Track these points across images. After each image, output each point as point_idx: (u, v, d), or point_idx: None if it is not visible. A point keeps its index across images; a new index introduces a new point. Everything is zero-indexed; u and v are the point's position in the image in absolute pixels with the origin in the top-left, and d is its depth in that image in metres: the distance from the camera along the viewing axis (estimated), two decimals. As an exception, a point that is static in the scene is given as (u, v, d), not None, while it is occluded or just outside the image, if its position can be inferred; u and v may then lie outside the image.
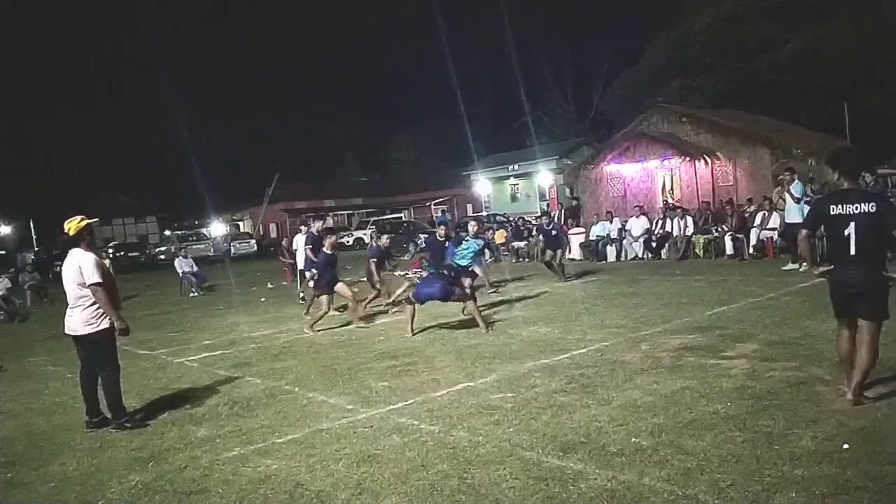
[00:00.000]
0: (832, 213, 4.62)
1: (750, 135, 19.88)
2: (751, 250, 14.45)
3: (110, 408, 5.71)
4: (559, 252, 13.67)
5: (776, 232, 14.13)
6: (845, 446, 3.96)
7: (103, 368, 5.68)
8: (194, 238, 39.76)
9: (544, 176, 35.53)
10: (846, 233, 4.56)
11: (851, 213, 4.56)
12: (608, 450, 4.23)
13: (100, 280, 5.47)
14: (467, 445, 4.57)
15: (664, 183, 20.95)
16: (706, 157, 19.67)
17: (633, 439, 4.36)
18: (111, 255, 28.38)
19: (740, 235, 14.79)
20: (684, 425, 4.53)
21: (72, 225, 5.64)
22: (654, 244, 16.60)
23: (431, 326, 9.25)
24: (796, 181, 12.29)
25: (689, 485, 3.64)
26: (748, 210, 15.88)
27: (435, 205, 43.47)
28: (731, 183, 19.71)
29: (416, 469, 4.24)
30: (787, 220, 12.43)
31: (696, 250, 15.63)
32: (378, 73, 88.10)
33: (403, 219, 39.44)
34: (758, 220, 14.65)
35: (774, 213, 14.13)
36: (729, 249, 14.90)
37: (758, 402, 4.89)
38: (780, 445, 4.07)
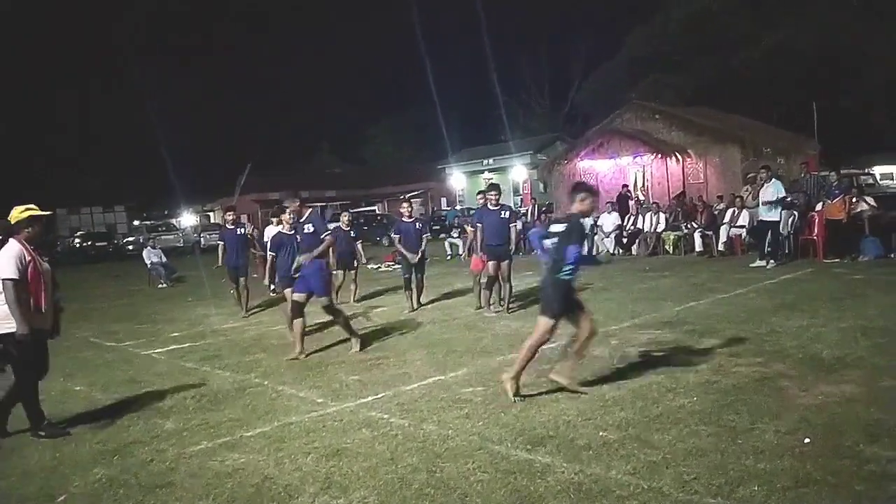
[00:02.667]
0: None
1: (721, 133, 20.15)
2: (720, 247, 14.66)
3: (27, 415, 5.26)
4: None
5: (745, 229, 14.37)
6: (806, 441, 4.05)
7: (18, 371, 5.19)
8: (164, 228, 39.18)
9: (518, 170, 35.69)
10: None
11: None
12: (576, 443, 4.27)
13: (12, 276, 4.96)
14: (437, 439, 4.58)
15: (636, 179, 21.17)
16: (678, 155, 19.92)
17: (601, 433, 4.41)
18: (59, 250, 27.61)
19: (709, 232, 15.00)
20: (651, 419, 4.59)
21: (14, 213, 5.26)
22: (625, 240, 16.76)
23: (404, 320, 9.24)
24: (774, 180, 12.42)
25: (654, 478, 3.69)
26: (718, 207, 16.13)
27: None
28: (701, 180, 20.00)
29: (385, 463, 4.23)
30: (761, 218, 12.56)
31: (666, 246, 15.82)
32: (354, 65, 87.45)
33: (378, 211, 39.30)
34: (727, 218, 14.87)
35: (744, 210, 14.36)
36: (698, 246, 15.10)
37: (723, 396, 4.97)
38: (743, 440, 4.14)
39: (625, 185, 20.29)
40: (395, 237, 10.35)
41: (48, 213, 5.68)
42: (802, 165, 17.59)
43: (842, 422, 4.31)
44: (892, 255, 12.00)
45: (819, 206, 13.09)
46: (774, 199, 12.03)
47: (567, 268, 5.15)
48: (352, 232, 11.98)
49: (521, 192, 35.77)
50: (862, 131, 31.25)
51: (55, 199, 34.00)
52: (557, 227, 5.35)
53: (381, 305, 11.12)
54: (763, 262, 12.06)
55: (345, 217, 12.39)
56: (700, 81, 32.36)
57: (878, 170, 27.88)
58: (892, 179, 27.46)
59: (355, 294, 11.71)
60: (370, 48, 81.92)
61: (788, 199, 12.99)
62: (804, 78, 29.95)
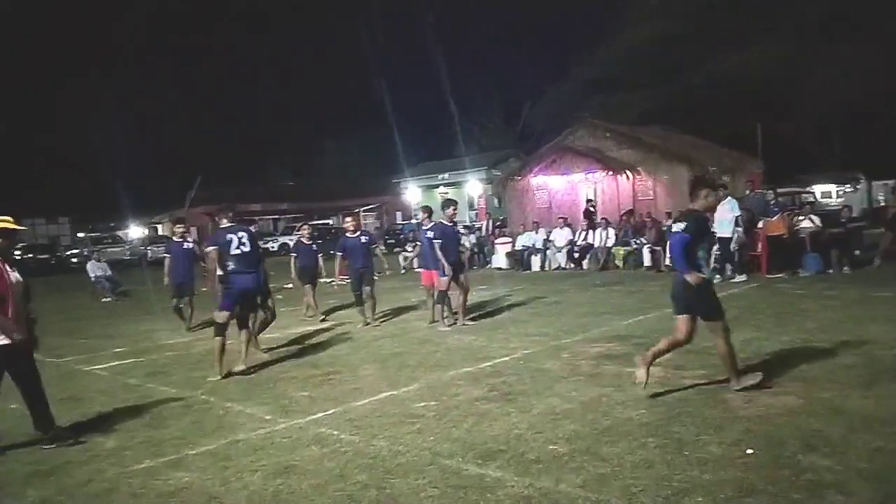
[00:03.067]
0: None
1: (669, 151, 20.67)
2: (667, 262, 14.99)
3: None
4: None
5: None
6: (749, 451, 4.15)
7: None
8: (109, 241, 38.07)
9: (474, 185, 35.92)
10: None
11: None
12: (526, 457, 4.29)
13: None
14: (387, 455, 4.54)
15: (588, 196, 21.54)
16: (628, 172, 20.33)
17: (551, 446, 4.44)
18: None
19: (658, 248, 15.34)
20: (600, 432, 4.64)
21: None
22: (576, 255, 17.01)
23: (356, 334, 9.17)
24: (730, 198, 12.74)
25: (602, 490, 3.72)
26: (666, 223, 16.51)
27: (364, 211, 43.18)
28: (650, 197, 20.44)
29: (335, 480, 4.17)
30: (718, 235, 12.72)
31: (617, 261, 16.12)
32: (310, 78, 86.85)
33: (332, 224, 39.00)
34: (675, 234, 15.22)
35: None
36: (647, 261, 15.43)
37: (670, 409, 5.07)
38: (689, 451, 4.22)
39: (589, 200, 20.64)
40: (339, 254, 10.27)
41: (23, 228, 5.69)
42: (748, 183, 18.19)
43: (782, 433, 4.43)
44: (831, 271, 12.46)
45: (760, 224, 13.52)
46: (731, 216, 12.34)
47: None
48: (313, 245, 11.79)
49: (476, 206, 36.00)
50: (801, 153, 32.58)
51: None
52: (679, 226, 5.37)
53: (334, 320, 11.02)
54: (717, 276, 12.36)
55: (305, 230, 12.10)
56: (650, 102, 33.19)
57: (817, 188, 28.94)
58: (831, 198, 28.54)
59: (316, 308, 11.47)
60: (327, 63, 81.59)
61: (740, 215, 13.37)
62: (748, 102, 31.08)
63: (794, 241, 12.92)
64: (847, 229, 13.55)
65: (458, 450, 4.53)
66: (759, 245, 13.14)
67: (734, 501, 3.51)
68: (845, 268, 12.51)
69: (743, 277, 12.27)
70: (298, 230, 12.85)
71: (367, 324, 9.98)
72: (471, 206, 36.04)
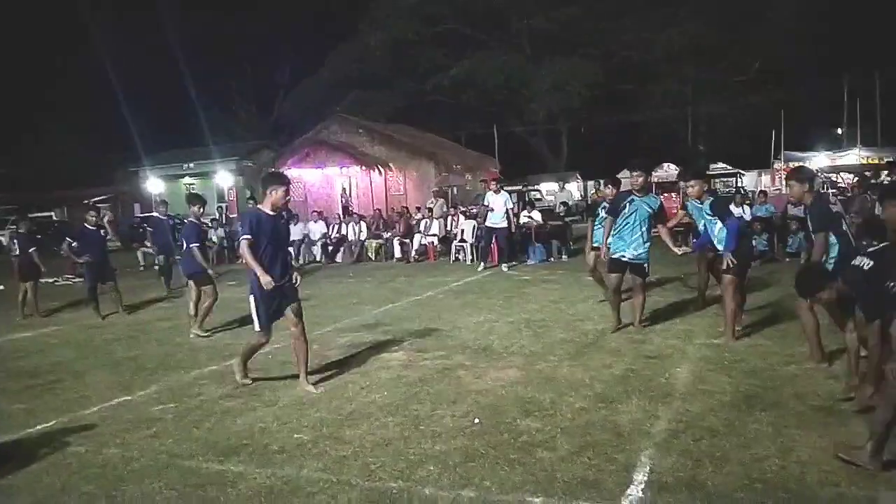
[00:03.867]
0: None
1: (417, 149, 21.82)
2: (414, 254, 15.84)
3: None
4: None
5: (436, 237, 15.77)
6: (476, 421, 4.60)
7: None
8: None
9: (223, 176, 34.21)
10: None
11: None
12: (270, 448, 4.30)
13: None
14: (119, 462, 4.25)
15: (343, 189, 21.85)
16: (380, 168, 21.02)
17: (296, 435, 4.50)
18: None
19: (407, 240, 16.10)
20: (344, 417, 4.81)
21: None
22: (330, 248, 17.17)
23: (87, 336, 8.32)
24: (503, 191, 13.50)
25: (343, 471, 3.89)
26: (416, 217, 17.38)
27: (95, 202, 38.84)
28: (401, 192, 21.37)
29: (55, 495, 3.80)
30: (491, 225, 13.08)
31: (369, 254, 16.60)
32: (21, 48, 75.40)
33: (55, 218, 34.53)
34: (422, 227, 16.13)
35: (434, 220, 15.72)
36: (397, 253, 16.12)
37: (410, 388, 5.42)
38: (425, 426, 4.56)
39: (344, 195, 20.91)
40: (70, 245, 9.35)
41: None
42: (482, 182, 19.86)
43: (504, 402, 4.99)
44: (552, 259, 14.15)
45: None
46: (505, 209, 13.24)
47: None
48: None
49: (226, 199, 34.37)
50: (533, 154, 36.35)
51: None
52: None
53: (59, 322, 9.86)
54: (491, 265, 13.25)
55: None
56: (400, 101, 34.55)
57: (544, 186, 32.52)
58: (555, 195, 32.26)
59: (37, 308, 10.21)
60: (43, 33, 71.44)
61: (475, 210, 14.54)
62: (486, 106, 33.84)
63: (521, 234, 14.42)
64: (564, 222, 15.52)
65: (199, 449, 4.39)
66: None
67: (461, 466, 3.88)
68: (563, 256, 14.30)
69: (481, 266, 13.40)
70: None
71: (105, 317, 9.22)
72: (221, 199, 34.34)
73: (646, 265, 7.02)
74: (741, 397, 4.80)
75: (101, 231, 10.17)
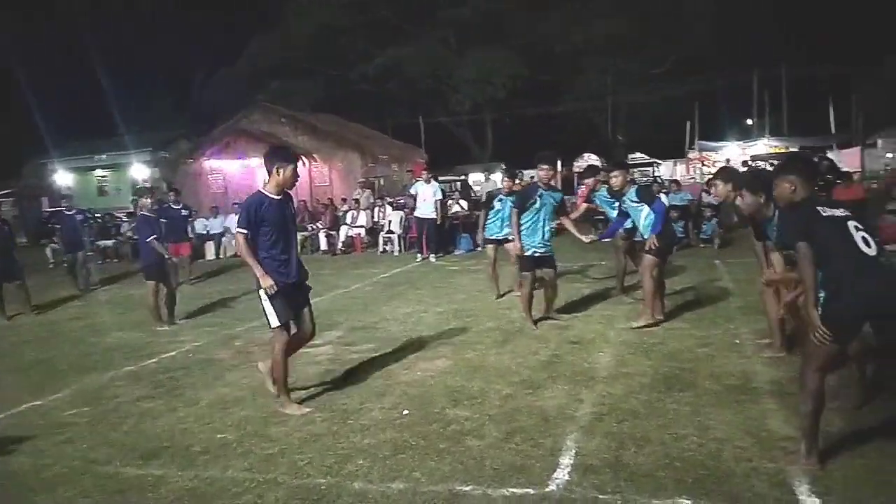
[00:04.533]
0: None
1: (343, 139, 21.52)
2: (340, 246, 15.67)
3: None
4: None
5: (363, 229, 15.63)
6: (405, 412, 4.59)
7: None
8: None
9: (138, 168, 32.83)
10: None
11: None
12: (192, 450, 4.17)
13: None
14: (30, 470, 4.04)
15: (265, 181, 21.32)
16: (304, 158, 20.61)
17: (219, 435, 4.37)
18: None
19: (333, 232, 15.90)
20: (270, 414, 4.71)
21: None
22: (254, 241, 16.76)
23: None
24: (433, 181, 13.54)
25: (270, 469, 3.80)
26: (342, 209, 17.18)
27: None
28: (327, 183, 21.05)
29: (-45, 511, 3.57)
30: (421, 216, 13.21)
31: (295, 246, 16.30)
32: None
33: (-47, 213, 32.27)
34: (348, 219, 15.96)
35: (362, 212, 15.59)
36: (323, 245, 15.89)
37: (339, 383, 5.36)
38: (353, 419, 4.52)
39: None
40: None
41: None
42: (408, 172, 19.80)
43: (433, 392, 5.00)
44: (479, 248, 14.24)
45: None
46: (435, 199, 13.16)
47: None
48: None
49: (142, 192, 32.96)
50: (459, 144, 36.52)
51: None
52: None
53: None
54: (424, 256, 13.15)
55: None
56: (325, 90, 33.95)
57: (470, 177, 32.70)
58: (480, 185, 32.52)
59: None
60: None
61: (402, 200, 14.50)
62: (412, 96, 33.71)
63: (448, 224, 14.48)
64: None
65: (116, 454, 4.21)
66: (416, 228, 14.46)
67: (391, 459, 3.87)
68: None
69: (419, 257, 13.36)
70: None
71: (11, 318, 8.99)
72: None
73: (553, 257, 7.00)
74: (660, 379, 4.97)
75: (5, 227, 9.66)
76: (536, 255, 6.82)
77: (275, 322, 4.68)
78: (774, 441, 3.76)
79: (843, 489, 3.19)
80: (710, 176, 18.41)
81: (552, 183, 7.08)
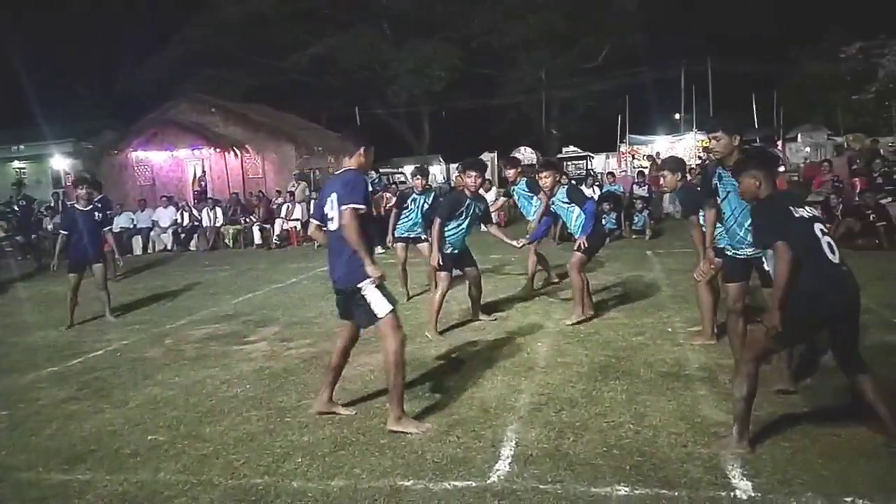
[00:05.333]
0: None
1: (277, 131, 21.01)
2: (275, 240, 15.36)
3: None
4: None
5: (299, 222, 15.36)
6: (350, 411, 4.52)
7: None
8: None
9: (59, 160, 31.30)
10: None
11: None
12: (122, 452, 4.00)
13: None
14: (-61, 483, 3.77)
15: (195, 172, 20.68)
16: (236, 150, 20.07)
17: (150, 437, 4.21)
18: None
19: (267, 225, 15.57)
20: (203, 414, 4.56)
21: None
22: (183, 235, 16.24)
23: None
24: (372, 173, 13.38)
25: (204, 471, 3.68)
26: (276, 202, 16.82)
27: None
28: (260, 175, 20.55)
29: None
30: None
31: (226, 241, 15.88)
32: None
33: None
34: (283, 212, 15.64)
35: (298, 204, 15.30)
36: (257, 239, 15.54)
37: (274, 380, 5.24)
38: (291, 417, 4.43)
39: (202, 179, 19.82)
40: None
41: None
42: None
43: (373, 386, 4.94)
44: (390, 247, 14.19)
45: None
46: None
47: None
48: None
49: (64, 184, 31.47)
50: (397, 137, 36.30)
51: None
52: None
53: None
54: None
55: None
56: (257, 80, 33.14)
57: (407, 169, 32.57)
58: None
59: None
60: None
61: None
62: (347, 86, 33.28)
63: (384, 217, 14.37)
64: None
65: (39, 459, 3.99)
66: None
67: (330, 456, 3.80)
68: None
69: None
70: None
71: None
72: (57, 184, 31.41)
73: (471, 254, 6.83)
74: (597, 368, 5.06)
75: None
76: (455, 252, 6.59)
77: (387, 308, 4.20)
78: (707, 427, 3.87)
79: (772, 471, 3.31)
80: (641, 168, 18.92)
81: (480, 192, 6.76)
